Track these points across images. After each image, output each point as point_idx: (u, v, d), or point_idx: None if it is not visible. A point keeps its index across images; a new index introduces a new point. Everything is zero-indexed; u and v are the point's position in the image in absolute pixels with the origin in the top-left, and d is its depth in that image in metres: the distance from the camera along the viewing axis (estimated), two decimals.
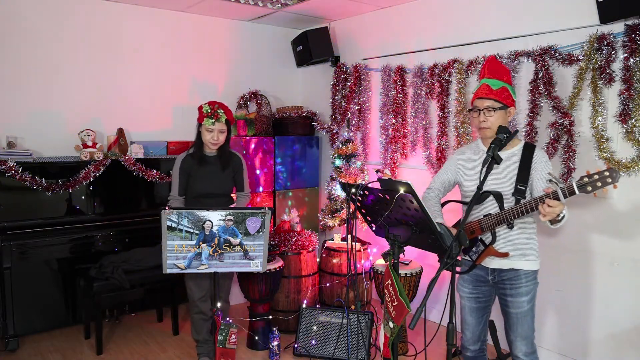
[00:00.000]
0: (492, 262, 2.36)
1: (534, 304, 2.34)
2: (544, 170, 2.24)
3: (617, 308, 3.01)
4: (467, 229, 2.39)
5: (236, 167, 3.21)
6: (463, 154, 2.52)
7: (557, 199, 1.98)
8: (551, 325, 3.32)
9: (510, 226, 2.29)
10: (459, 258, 2.06)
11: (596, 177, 1.93)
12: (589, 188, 1.94)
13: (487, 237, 2.34)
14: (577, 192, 1.95)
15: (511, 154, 2.33)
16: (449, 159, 2.60)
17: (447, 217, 2.55)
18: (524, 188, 2.24)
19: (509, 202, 2.26)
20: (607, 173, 1.92)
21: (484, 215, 2.32)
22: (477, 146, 2.48)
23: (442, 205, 2.62)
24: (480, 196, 2.31)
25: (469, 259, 2.42)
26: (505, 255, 2.29)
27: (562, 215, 2.08)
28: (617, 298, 3.01)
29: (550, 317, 3.32)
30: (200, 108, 3.03)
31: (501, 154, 2.32)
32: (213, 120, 2.98)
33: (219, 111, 3.00)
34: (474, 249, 2.39)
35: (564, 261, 3.23)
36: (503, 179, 2.30)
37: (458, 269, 2.43)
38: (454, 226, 2.48)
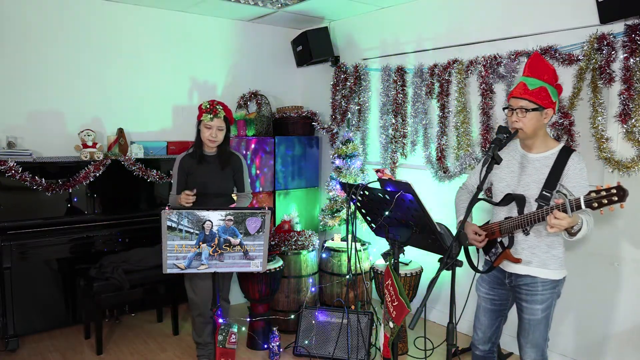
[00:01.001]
0: (509, 266, 2.32)
1: (549, 314, 2.28)
2: (576, 177, 2.13)
3: (616, 308, 3.01)
4: (488, 230, 2.36)
5: (236, 167, 3.21)
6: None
7: (566, 211, 1.96)
8: (552, 326, 3.31)
9: (526, 232, 2.24)
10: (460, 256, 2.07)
11: (603, 193, 1.90)
12: (595, 204, 1.91)
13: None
14: (583, 207, 1.93)
15: (544, 157, 2.24)
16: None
17: (477, 215, 2.52)
18: (549, 194, 2.15)
19: (532, 208, 2.20)
20: (614, 191, 1.88)
21: (505, 218, 2.29)
22: (513, 145, 2.39)
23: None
24: (504, 198, 2.29)
25: (489, 260, 2.41)
26: (518, 261, 2.26)
27: (577, 228, 2.05)
28: (616, 298, 3.01)
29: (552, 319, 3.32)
30: (200, 106, 3.05)
31: (534, 156, 2.27)
32: (211, 116, 2.99)
33: (217, 107, 3.01)
34: (493, 250, 2.37)
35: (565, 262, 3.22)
36: (531, 182, 2.23)
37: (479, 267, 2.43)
38: (482, 226, 2.44)
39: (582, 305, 3.17)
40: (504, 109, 2.33)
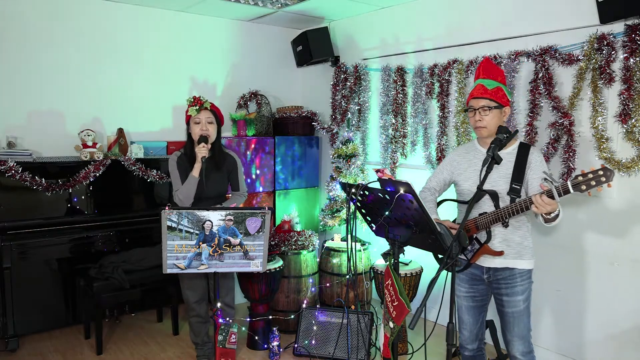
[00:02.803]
0: (486, 261, 2.38)
1: (529, 303, 2.37)
2: (539, 169, 2.27)
3: (615, 308, 3.01)
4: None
5: (230, 167, 3.15)
6: (458, 154, 2.55)
7: (552, 197, 2.02)
8: (549, 324, 3.32)
9: (505, 225, 2.32)
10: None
11: (590, 176, 1.97)
12: (583, 187, 1.98)
13: (482, 236, 2.35)
14: (571, 190, 2.00)
15: (507, 154, 2.35)
16: (444, 158, 2.63)
17: (442, 216, 2.57)
18: (519, 187, 2.27)
19: (504, 201, 2.30)
20: (601, 172, 1.95)
21: (480, 214, 2.34)
22: (472, 146, 2.51)
23: (438, 204, 2.64)
24: (476, 195, 2.33)
25: (464, 258, 2.43)
26: (500, 254, 2.32)
27: (556, 214, 2.13)
28: (615, 298, 3.01)
29: (548, 317, 3.32)
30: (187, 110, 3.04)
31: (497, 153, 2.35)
32: (197, 108, 2.95)
33: (202, 98, 2.99)
34: (469, 247, 2.41)
35: (563, 261, 3.23)
36: (498, 178, 2.33)
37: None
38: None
39: (581, 304, 3.17)
40: (465, 110, 2.41)
